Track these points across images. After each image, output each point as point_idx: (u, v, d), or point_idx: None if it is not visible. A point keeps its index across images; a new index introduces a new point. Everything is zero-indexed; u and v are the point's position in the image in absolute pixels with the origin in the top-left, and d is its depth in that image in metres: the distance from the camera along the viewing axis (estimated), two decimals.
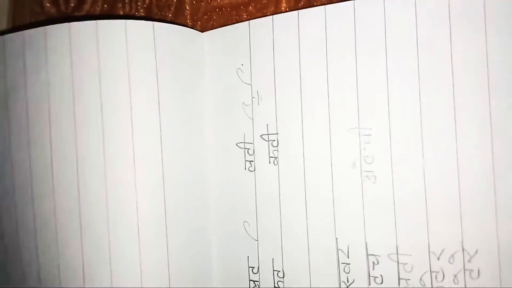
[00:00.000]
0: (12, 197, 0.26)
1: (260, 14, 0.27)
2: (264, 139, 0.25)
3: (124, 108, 0.24)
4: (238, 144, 0.26)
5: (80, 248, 0.24)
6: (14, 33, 0.26)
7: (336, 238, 0.23)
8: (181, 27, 0.27)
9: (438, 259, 0.21)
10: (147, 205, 0.24)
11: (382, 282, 0.22)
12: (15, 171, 0.26)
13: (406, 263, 0.22)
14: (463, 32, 0.21)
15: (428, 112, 0.22)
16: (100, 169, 0.24)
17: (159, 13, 0.30)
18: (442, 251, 0.21)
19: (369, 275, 0.22)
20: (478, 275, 0.21)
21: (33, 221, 0.25)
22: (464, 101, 0.21)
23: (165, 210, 0.25)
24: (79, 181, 0.24)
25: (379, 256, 0.22)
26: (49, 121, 0.25)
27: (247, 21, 0.26)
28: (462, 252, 0.21)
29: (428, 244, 0.21)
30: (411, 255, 0.22)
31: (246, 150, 0.26)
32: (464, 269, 0.21)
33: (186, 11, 0.29)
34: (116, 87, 0.24)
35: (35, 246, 0.25)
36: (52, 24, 0.25)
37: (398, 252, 0.22)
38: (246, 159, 0.26)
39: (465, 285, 0.21)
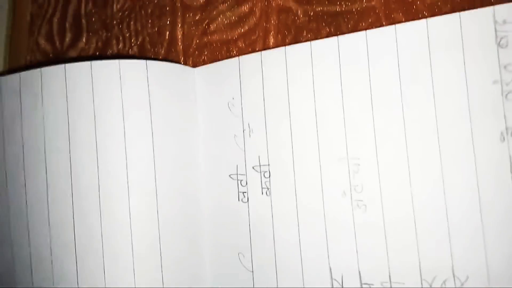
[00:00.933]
0: (8, 229, 0.26)
1: (249, 50, 0.28)
2: (256, 170, 0.26)
3: (118, 143, 0.25)
4: (231, 176, 0.27)
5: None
6: (10, 74, 0.27)
7: (330, 268, 0.24)
8: (173, 64, 0.28)
9: (430, 286, 0.22)
10: (141, 238, 0.25)
11: None
12: (12, 210, 0.26)
13: None
14: (442, 62, 0.22)
15: (413, 139, 0.23)
16: (95, 205, 0.24)
17: (152, 50, 0.31)
18: (434, 278, 0.22)
19: None
20: None
21: (29, 256, 0.25)
22: (447, 130, 0.22)
23: (159, 243, 0.25)
24: (75, 219, 0.25)
25: (372, 284, 0.23)
26: (45, 161, 0.25)
27: (237, 57, 0.27)
28: (453, 279, 0.21)
29: (420, 271, 0.22)
30: (404, 283, 0.22)
31: (239, 181, 0.26)
32: None
33: (178, 47, 0.30)
34: (110, 124, 0.25)
35: (31, 282, 0.25)
36: (47, 65, 0.26)
37: (391, 280, 0.22)
38: (239, 190, 0.26)
39: None
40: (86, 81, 0.25)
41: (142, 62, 0.26)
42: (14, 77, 0.27)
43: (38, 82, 0.26)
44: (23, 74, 0.26)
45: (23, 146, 0.26)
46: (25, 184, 0.26)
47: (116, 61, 0.25)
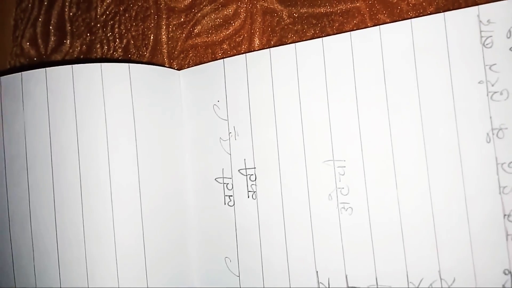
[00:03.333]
0: None
1: (235, 52, 0.28)
2: (242, 174, 0.26)
3: (101, 148, 0.25)
4: (217, 179, 0.26)
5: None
6: None
7: (317, 272, 0.23)
8: (157, 66, 0.27)
9: None
10: (126, 242, 0.24)
11: None
12: None
13: None
14: (427, 62, 0.22)
15: (399, 143, 0.22)
16: (78, 211, 0.24)
17: (136, 52, 0.31)
18: (421, 280, 0.21)
19: None
20: None
21: (11, 263, 0.25)
22: (433, 132, 0.22)
23: (144, 247, 0.25)
24: (56, 223, 0.24)
25: (359, 287, 0.22)
26: (26, 166, 0.25)
27: (222, 59, 0.27)
28: (440, 281, 0.21)
29: (407, 273, 0.22)
30: (390, 286, 0.22)
31: (225, 184, 0.26)
32: None
33: (163, 50, 0.30)
34: (93, 128, 0.25)
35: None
36: (29, 69, 0.26)
37: (378, 283, 0.22)
38: (226, 194, 0.26)
39: None
40: (67, 85, 0.25)
41: (124, 65, 0.25)
42: None
43: (19, 86, 0.26)
44: (4, 78, 0.26)
45: (4, 151, 0.26)
46: (6, 190, 0.25)
47: (98, 64, 0.25)
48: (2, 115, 0.26)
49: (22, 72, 0.26)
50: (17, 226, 0.25)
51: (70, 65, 0.25)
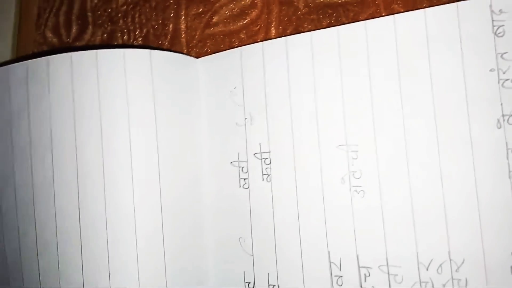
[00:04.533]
0: (15, 217, 0.27)
1: (251, 41, 0.28)
2: (257, 158, 0.26)
3: (122, 131, 0.26)
4: (232, 163, 0.27)
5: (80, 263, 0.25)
6: (18, 63, 0.28)
7: (329, 252, 0.24)
8: (177, 54, 0.28)
9: (427, 269, 0.22)
10: (144, 224, 0.25)
11: None
12: (18, 198, 0.27)
13: (397, 274, 0.22)
14: (440, 51, 0.23)
15: (411, 128, 0.23)
16: (100, 191, 0.25)
17: (156, 42, 0.32)
18: (431, 261, 0.22)
19: (361, 287, 0.23)
20: (466, 284, 0.21)
21: (35, 242, 0.26)
22: (445, 118, 0.22)
23: (162, 228, 0.26)
24: (80, 203, 0.25)
25: (370, 268, 0.23)
26: (51, 148, 0.26)
27: (239, 48, 0.28)
28: (449, 262, 0.22)
29: (417, 255, 0.22)
30: (400, 266, 0.22)
31: (241, 168, 0.27)
32: (452, 279, 0.21)
33: (182, 39, 0.31)
34: (115, 112, 0.26)
35: (37, 268, 0.26)
36: (54, 54, 0.27)
37: (388, 264, 0.23)
38: (241, 177, 0.27)
39: None
40: (91, 69, 0.26)
41: (146, 51, 0.26)
42: (21, 66, 0.28)
43: (45, 71, 0.27)
44: (30, 62, 0.27)
45: (30, 135, 0.27)
46: (31, 173, 0.26)
47: (121, 50, 0.26)
48: (28, 99, 0.27)
49: (48, 57, 0.27)
50: (41, 206, 0.26)
51: (94, 50, 0.26)
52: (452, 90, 0.22)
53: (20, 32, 0.37)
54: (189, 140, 0.28)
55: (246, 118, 0.27)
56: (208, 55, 0.29)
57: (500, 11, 0.22)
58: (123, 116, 0.26)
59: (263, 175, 0.26)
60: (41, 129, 0.26)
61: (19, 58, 0.35)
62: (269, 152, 0.26)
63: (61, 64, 0.26)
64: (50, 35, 0.35)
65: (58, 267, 0.25)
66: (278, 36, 0.28)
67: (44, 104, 0.26)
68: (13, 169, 0.27)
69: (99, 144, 0.25)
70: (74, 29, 0.34)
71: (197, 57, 0.30)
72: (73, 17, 0.35)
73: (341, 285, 0.24)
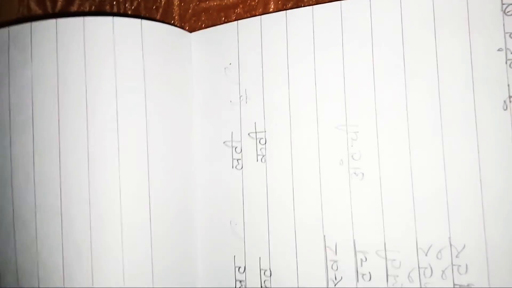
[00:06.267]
0: None
1: (249, 15, 0.27)
2: (251, 137, 0.25)
3: (110, 106, 0.24)
4: (225, 143, 0.26)
5: (61, 248, 0.23)
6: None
7: (324, 236, 0.23)
8: (170, 26, 0.27)
9: (426, 255, 0.21)
10: (131, 202, 0.24)
11: (370, 279, 0.22)
12: None
13: (394, 260, 0.22)
14: (447, 30, 0.22)
15: (415, 108, 0.22)
16: (84, 166, 0.24)
17: (146, 15, 0.30)
18: (430, 247, 0.21)
19: (357, 272, 0.22)
20: (466, 270, 0.20)
21: (12, 220, 0.24)
22: (450, 98, 0.22)
23: (149, 208, 0.24)
24: (61, 179, 0.24)
25: (367, 252, 0.22)
26: (31, 119, 0.24)
27: (236, 21, 0.26)
28: (449, 248, 0.21)
29: (416, 240, 0.21)
30: (399, 252, 0.22)
31: (234, 148, 0.26)
32: (452, 265, 0.21)
33: (174, 13, 0.29)
34: (102, 84, 0.24)
35: (13, 247, 0.24)
36: (38, 20, 0.25)
37: (386, 249, 0.22)
38: (234, 158, 0.26)
39: (453, 281, 0.21)
40: (78, 37, 0.24)
41: (137, 20, 0.25)
42: (2, 32, 0.26)
43: (27, 38, 0.25)
44: (12, 29, 0.25)
45: (9, 105, 0.25)
46: (10, 143, 0.25)
47: (110, 17, 0.24)
48: (9, 66, 0.25)
49: (32, 23, 0.25)
50: (20, 180, 0.25)
51: (82, 17, 0.24)
52: (457, 70, 0.22)
53: (1, 4, 0.35)
54: (180, 118, 0.26)
55: (241, 96, 0.26)
56: (202, 29, 0.28)
57: None
58: (110, 89, 0.24)
59: (257, 155, 0.25)
60: (21, 99, 0.25)
61: (0, 23, 0.33)
62: (265, 131, 0.25)
63: (46, 31, 0.25)
64: (35, 7, 0.33)
65: (36, 248, 0.24)
66: (277, 11, 0.26)
67: (26, 72, 0.25)
68: None
69: (84, 116, 0.24)
70: (60, 0, 0.32)
71: (191, 32, 0.28)
72: None
73: (336, 270, 0.23)
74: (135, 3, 0.30)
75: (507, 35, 0.21)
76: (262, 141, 0.25)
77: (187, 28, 0.29)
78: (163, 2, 0.30)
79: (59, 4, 0.33)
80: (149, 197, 0.24)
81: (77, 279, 0.23)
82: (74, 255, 0.23)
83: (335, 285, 0.23)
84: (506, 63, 0.21)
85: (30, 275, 0.24)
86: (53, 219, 0.23)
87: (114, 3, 0.31)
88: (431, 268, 0.21)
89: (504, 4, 0.21)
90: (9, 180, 0.24)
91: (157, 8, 0.30)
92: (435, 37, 0.22)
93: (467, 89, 0.21)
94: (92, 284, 0.23)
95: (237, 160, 0.25)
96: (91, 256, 0.23)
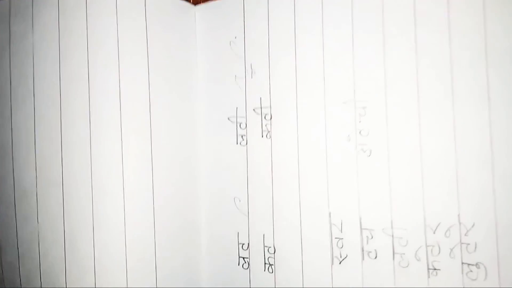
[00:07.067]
0: None
1: None
2: (256, 113, 0.25)
3: (112, 77, 0.23)
4: (229, 118, 0.25)
5: (62, 219, 0.23)
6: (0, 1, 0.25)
7: (330, 213, 0.23)
8: None
9: (434, 233, 0.21)
10: (134, 177, 0.23)
11: (376, 257, 0.22)
12: None
13: (401, 237, 0.21)
14: (461, 3, 0.21)
15: (425, 84, 0.21)
16: (86, 134, 0.23)
17: None
18: (438, 225, 0.21)
19: (363, 250, 0.22)
20: (475, 248, 0.20)
21: (13, 191, 0.24)
22: (462, 72, 0.21)
23: (152, 184, 0.24)
24: (63, 151, 0.23)
25: (373, 230, 0.22)
26: (33, 90, 0.24)
27: None
28: (458, 226, 0.20)
29: (424, 218, 0.21)
30: (406, 229, 0.21)
31: (238, 124, 0.25)
32: (461, 243, 0.20)
33: None
34: (104, 55, 0.24)
35: (14, 218, 0.24)
36: None
37: (393, 226, 0.21)
38: (238, 133, 0.25)
39: (461, 259, 0.20)
40: (80, 8, 0.24)
41: None
42: (3, 3, 0.25)
43: (29, 8, 0.24)
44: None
45: (10, 76, 0.25)
46: (11, 114, 0.24)
47: None
48: (10, 37, 0.25)
49: None
50: (21, 151, 0.24)
51: None
52: (471, 42, 0.21)
53: None
54: (184, 93, 0.26)
55: (246, 71, 0.25)
56: (207, 2, 0.27)
57: None
58: (113, 60, 0.24)
59: (262, 131, 0.24)
60: (22, 70, 0.24)
61: None
62: (270, 107, 0.24)
63: (48, 1, 0.24)
64: None
65: (37, 220, 0.23)
66: None
67: (27, 43, 0.24)
68: None
69: (86, 87, 0.23)
70: None
71: (195, 5, 0.27)
72: None
73: (342, 247, 0.22)
74: None
75: None
76: (268, 117, 0.24)
77: (191, 0, 0.28)
78: None
79: None
80: (152, 172, 0.24)
81: (78, 250, 0.23)
82: (75, 226, 0.23)
83: (340, 262, 0.22)
84: None
85: (31, 247, 0.23)
86: (54, 190, 0.23)
87: None
88: (439, 246, 0.21)
89: None
90: (10, 151, 0.24)
91: None
92: (448, 10, 0.21)
93: (480, 65, 0.21)
94: (94, 254, 0.22)
95: (242, 136, 0.25)
96: (93, 225, 0.23)
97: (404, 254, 0.21)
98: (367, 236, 0.22)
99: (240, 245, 0.25)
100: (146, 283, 0.23)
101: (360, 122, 0.22)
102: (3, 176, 0.24)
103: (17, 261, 0.24)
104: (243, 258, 0.24)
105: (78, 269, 0.23)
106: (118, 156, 0.23)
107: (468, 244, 0.20)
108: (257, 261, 0.24)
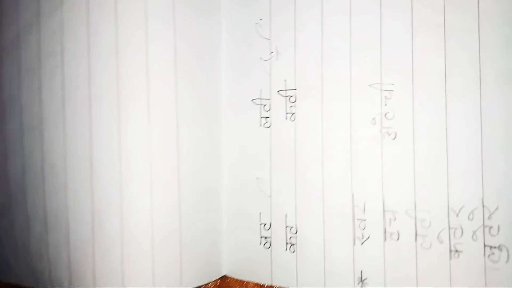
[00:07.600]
0: (21, 140, 0.25)
1: None
2: (281, 95, 0.25)
3: (139, 55, 0.24)
4: (253, 100, 0.26)
5: (90, 195, 0.24)
6: None
7: (353, 194, 0.23)
8: None
9: (457, 215, 0.21)
10: (160, 160, 0.24)
11: (398, 239, 0.22)
12: (24, 113, 0.25)
13: (424, 219, 0.21)
14: None
15: (453, 67, 0.21)
16: (114, 111, 0.23)
17: None
18: (462, 207, 0.21)
19: (385, 231, 0.22)
20: (498, 231, 0.20)
21: (41, 165, 0.25)
22: (490, 56, 0.21)
23: (178, 164, 0.24)
24: (92, 128, 0.24)
25: (396, 212, 0.22)
26: (62, 66, 0.24)
27: None
28: (482, 209, 0.21)
29: (448, 200, 0.21)
30: (429, 212, 0.21)
31: (262, 106, 0.25)
32: (484, 226, 0.20)
33: None
34: (132, 32, 0.24)
35: (42, 192, 0.25)
36: None
37: (416, 208, 0.22)
38: (262, 116, 0.25)
39: (484, 242, 0.20)
40: None
41: None
42: None
43: None
44: None
45: (39, 52, 0.25)
46: (40, 89, 0.25)
47: None
48: (39, 13, 0.25)
49: None
50: (50, 125, 0.25)
51: None
52: (500, 24, 0.21)
53: None
54: (208, 74, 0.26)
55: (271, 53, 0.25)
56: None
57: None
58: (140, 38, 0.24)
59: (286, 113, 0.25)
60: (51, 46, 0.24)
61: None
62: (295, 89, 0.24)
63: None
64: None
65: (66, 194, 0.24)
66: None
67: (56, 19, 0.24)
68: (19, 88, 0.25)
69: (114, 63, 0.24)
70: None
71: None
72: None
73: (364, 228, 0.23)
74: None
75: None
76: (292, 99, 0.25)
77: None
78: None
79: None
80: (177, 153, 0.24)
81: (106, 225, 0.23)
82: (103, 201, 0.23)
83: (362, 243, 0.23)
84: None
85: (58, 221, 0.24)
86: (82, 165, 0.23)
87: None
88: (461, 228, 0.21)
89: None
90: (39, 126, 0.24)
91: None
92: None
93: (509, 46, 0.21)
94: (122, 230, 0.23)
95: (266, 118, 0.25)
96: (121, 201, 0.23)
97: (426, 236, 0.21)
98: (390, 218, 0.22)
99: (262, 225, 0.25)
100: (171, 256, 0.24)
101: (385, 105, 0.22)
102: (32, 149, 0.25)
103: (45, 233, 0.24)
104: (265, 237, 0.25)
105: (105, 242, 0.23)
106: (145, 133, 0.23)
107: (491, 227, 0.20)
108: (278, 241, 0.24)
